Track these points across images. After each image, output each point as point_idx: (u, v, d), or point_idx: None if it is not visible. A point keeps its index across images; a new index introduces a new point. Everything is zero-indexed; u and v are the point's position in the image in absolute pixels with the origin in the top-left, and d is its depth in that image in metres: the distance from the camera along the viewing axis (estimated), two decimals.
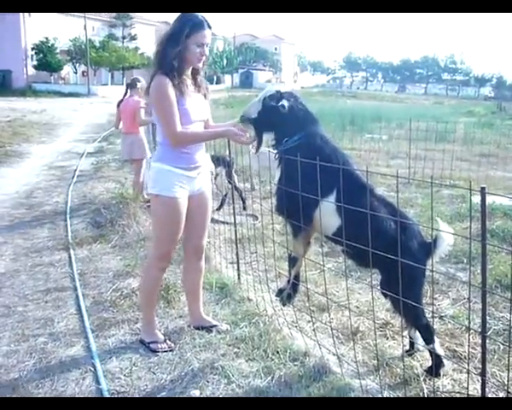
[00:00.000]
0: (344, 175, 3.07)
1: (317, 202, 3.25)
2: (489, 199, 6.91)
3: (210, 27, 3.41)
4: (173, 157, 3.49)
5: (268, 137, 3.56)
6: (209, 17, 3.38)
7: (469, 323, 2.97)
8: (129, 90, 8.03)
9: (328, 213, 3.29)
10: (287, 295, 3.71)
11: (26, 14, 48.31)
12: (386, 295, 3.49)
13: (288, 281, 3.70)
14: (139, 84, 7.91)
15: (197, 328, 3.94)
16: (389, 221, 3.23)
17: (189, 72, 3.52)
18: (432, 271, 2.90)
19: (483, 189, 2.23)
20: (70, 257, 5.62)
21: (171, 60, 3.35)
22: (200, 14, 3.40)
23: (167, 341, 3.77)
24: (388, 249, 2.97)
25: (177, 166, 3.49)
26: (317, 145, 3.37)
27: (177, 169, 3.49)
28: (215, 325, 3.95)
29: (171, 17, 3.59)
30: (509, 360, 2.40)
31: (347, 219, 3.17)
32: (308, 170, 3.17)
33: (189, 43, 3.34)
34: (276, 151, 3.51)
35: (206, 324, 3.96)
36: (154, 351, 3.66)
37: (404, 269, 2.88)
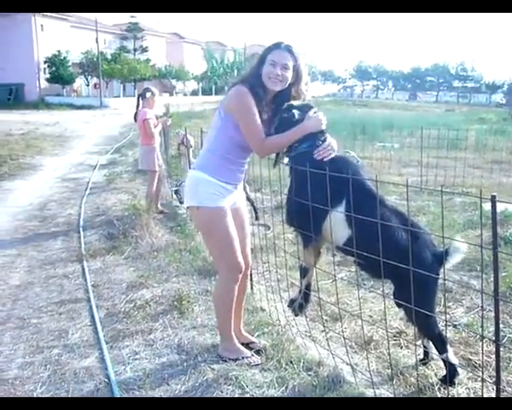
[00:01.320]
0: (354, 185, 3.08)
1: (326, 212, 3.25)
2: (502, 206, 6.91)
3: (290, 51, 3.34)
4: (219, 170, 3.41)
5: None
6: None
7: (482, 331, 2.96)
8: (141, 101, 8.07)
9: (337, 224, 3.28)
10: (298, 305, 3.70)
11: (39, 27, 48.93)
12: (399, 305, 3.48)
13: (300, 291, 3.69)
14: (148, 94, 8.02)
15: None
16: (401, 231, 3.22)
17: (269, 96, 3.42)
18: (444, 279, 2.89)
19: (493, 197, 2.23)
20: (83, 269, 5.66)
21: (251, 76, 3.37)
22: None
23: (255, 354, 3.69)
24: (400, 260, 2.96)
25: (219, 180, 3.41)
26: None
27: (218, 181, 3.41)
28: (254, 342, 3.86)
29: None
30: None
31: (358, 230, 3.16)
32: (316, 179, 3.18)
33: (266, 62, 3.33)
34: (287, 159, 3.52)
35: (245, 340, 3.86)
36: (248, 365, 3.58)
37: (417, 279, 2.87)
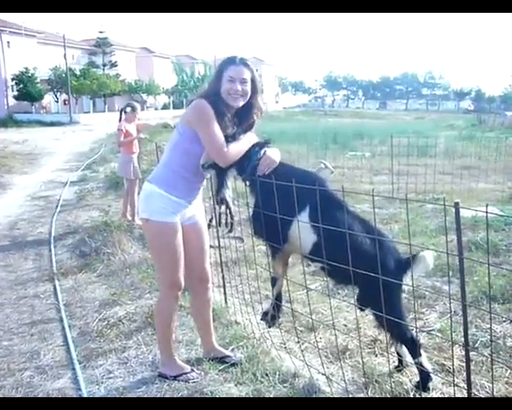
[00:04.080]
0: (314, 192, 3.13)
1: (288, 222, 3.28)
2: (472, 211, 7.00)
3: (245, 65, 3.36)
4: (172, 184, 3.41)
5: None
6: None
7: (452, 336, 2.99)
8: (123, 115, 8.41)
9: (301, 232, 3.29)
10: (271, 317, 3.70)
11: (5, 44, 48.32)
12: (368, 309, 3.51)
13: (271, 302, 3.69)
14: (128, 109, 8.42)
15: (211, 359, 3.85)
16: (363, 238, 3.24)
17: (231, 111, 3.41)
18: (412, 286, 2.92)
19: (457, 204, 2.26)
20: (55, 288, 5.58)
21: (211, 93, 3.35)
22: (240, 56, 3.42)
23: (194, 370, 3.68)
24: (363, 266, 3.00)
25: (171, 194, 3.40)
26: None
27: (170, 196, 3.40)
28: (228, 356, 3.84)
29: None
30: (492, 372, 2.42)
31: (320, 237, 3.18)
32: (277, 190, 3.21)
33: (223, 79, 3.34)
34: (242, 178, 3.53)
35: (220, 354, 3.86)
36: (186, 382, 3.57)
37: (378, 285, 2.90)
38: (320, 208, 3.14)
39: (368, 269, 2.91)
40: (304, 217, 3.29)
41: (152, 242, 3.61)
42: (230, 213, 7.64)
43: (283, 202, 3.18)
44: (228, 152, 3.29)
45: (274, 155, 3.43)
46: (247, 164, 3.41)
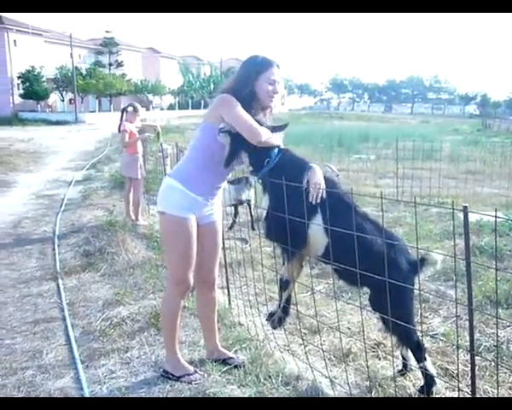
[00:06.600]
0: (330, 196, 3.11)
1: (308, 225, 3.25)
2: (477, 216, 6.98)
3: (279, 68, 3.41)
4: (191, 180, 3.40)
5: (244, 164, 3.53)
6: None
7: (457, 341, 2.97)
8: (125, 114, 8.35)
9: (317, 235, 3.29)
10: (278, 318, 3.67)
11: (12, 43, 48.52)
12: (376, 311, 3.49)
13: (279, 305, 3.66)
14: (130, 109, 8.39)
15: (213, 360, 3.82)
16: (376, 239, 3.23)
17: (262, 112, 3.43)
18: (419, 290, 2.91)
19: (465, 208, 2.24)
20: (58, 287, 5.57)
21: (244, 91, 3.32)
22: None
23: (198, 371, 3.67)
24: (377, 267, 2.98)
25: (189, 189, 3.39)
26: (292, 167, 3.37)
27: (187, 191, 3.39)
28: (231, 358, 3.82)
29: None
30: (497, 377, 2.40)
31: (335, 239, 3.17)
32: (297, 194, 3.18)
33: (261, 80, 3.34)
34: (257, 177, 3.49)
35: (223, 356, 3.84)
36: (189, 383, 3.56)
37: (394, 285, 2.89)
38: (334, 211, 3.14)
39: (382, 271, 2.89)
40: (318, 220, 3.27)
41: (164, 235, 3.63)
42: (236, 212, 7.79)
43: (301, 205, 3.15)
44: (261, 130, 3.24)
45: (319, 174, 3.32)
46: (265, 162, 3.36)
